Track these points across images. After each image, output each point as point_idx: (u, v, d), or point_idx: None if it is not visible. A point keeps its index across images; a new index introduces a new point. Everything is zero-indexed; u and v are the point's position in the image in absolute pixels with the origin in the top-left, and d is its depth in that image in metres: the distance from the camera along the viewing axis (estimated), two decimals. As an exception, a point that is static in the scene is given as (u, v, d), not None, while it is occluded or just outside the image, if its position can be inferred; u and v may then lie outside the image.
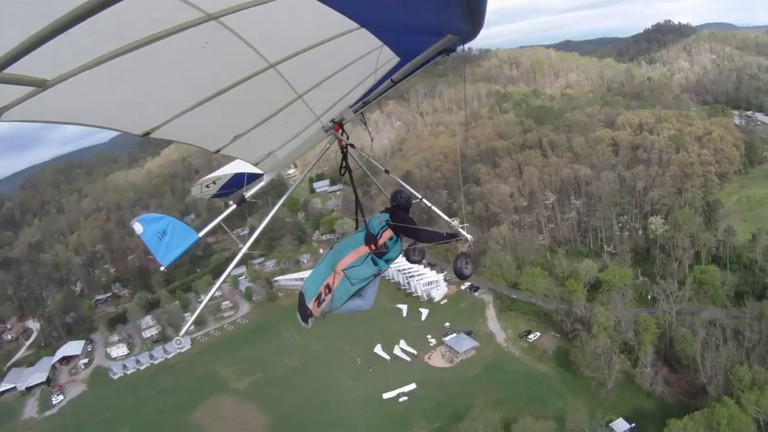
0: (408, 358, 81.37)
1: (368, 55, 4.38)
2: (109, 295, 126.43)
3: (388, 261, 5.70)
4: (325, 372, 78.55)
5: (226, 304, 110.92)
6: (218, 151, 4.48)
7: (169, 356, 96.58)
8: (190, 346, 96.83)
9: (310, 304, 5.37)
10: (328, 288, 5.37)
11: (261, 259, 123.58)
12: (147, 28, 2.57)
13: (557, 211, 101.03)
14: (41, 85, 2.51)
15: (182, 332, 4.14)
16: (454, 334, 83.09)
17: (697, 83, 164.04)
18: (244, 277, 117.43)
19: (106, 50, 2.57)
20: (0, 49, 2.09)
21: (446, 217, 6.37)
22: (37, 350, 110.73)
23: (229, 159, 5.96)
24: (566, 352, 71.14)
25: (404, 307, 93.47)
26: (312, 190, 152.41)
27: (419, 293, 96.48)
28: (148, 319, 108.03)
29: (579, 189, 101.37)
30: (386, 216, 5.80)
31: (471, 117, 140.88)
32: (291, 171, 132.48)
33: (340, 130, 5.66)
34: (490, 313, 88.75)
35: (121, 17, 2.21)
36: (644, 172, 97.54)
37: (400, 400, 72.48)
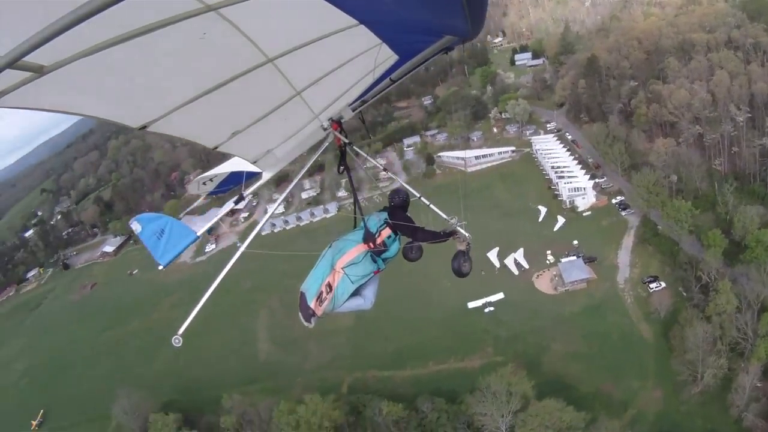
0: (516, 272, 76.05)
1: (367, 52, 4.48)
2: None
3: (386, 260, 5.87)
4: (434, 265, 77.06)
5: (383, 174, 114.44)
6: (216, 147, 4.54)
7: (315, 220, 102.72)
8: (336, 212, 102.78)
9: (312, 304, 5.38)
10: (329, 287, 5.44)
11: (435, 131, 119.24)
12: (145, 16, 2.62)
13: (744, 133, 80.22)
14: (39, 71, 2.55)
15: (181, 330, 4.26)
16: (573, 258, 74.85)
17: None
18: (412, 148, 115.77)
19: (104, 38, 2.60)
20: (3, 37, 2.17)
21: (444, 216, 6.21)
22: (212, 201, 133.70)
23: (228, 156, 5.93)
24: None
25: (543, 210, 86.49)
26: (512, 62, 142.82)
27: (564, 198, 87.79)
28: (310, 181, 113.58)
29: (777, 111, 77.55)
30: (384, 215, 5.96)
31: (687, 1, 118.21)
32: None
33: (339, 129, 5.71)
34: (628, 241, 77.45)
35: (119, 5, 2.19)
36: None
37: (486, 310, 70.51)
